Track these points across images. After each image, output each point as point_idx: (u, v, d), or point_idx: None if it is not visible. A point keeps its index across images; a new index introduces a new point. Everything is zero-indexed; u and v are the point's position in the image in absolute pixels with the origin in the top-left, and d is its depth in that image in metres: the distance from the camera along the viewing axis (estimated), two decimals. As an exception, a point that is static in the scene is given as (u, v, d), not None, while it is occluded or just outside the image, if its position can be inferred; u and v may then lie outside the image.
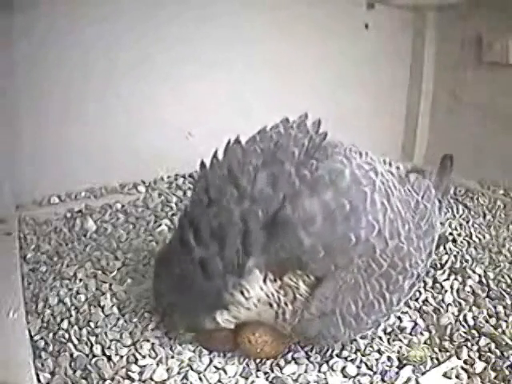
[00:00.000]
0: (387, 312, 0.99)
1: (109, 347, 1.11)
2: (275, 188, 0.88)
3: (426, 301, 1.32)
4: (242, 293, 0.94)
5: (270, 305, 0.96)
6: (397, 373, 1.06)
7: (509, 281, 1.41)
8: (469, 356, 1.11)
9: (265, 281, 0.93)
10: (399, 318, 1.25)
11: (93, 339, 1.12)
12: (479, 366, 1.08)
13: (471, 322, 1.22)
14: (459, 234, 1.74)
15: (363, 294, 0.92)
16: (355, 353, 1.12)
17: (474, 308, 1.29)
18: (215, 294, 0.93)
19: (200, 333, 1.08)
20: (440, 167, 1.34)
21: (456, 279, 1.42)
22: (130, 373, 1.03)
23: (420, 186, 1.08)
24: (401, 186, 1.03)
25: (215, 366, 1.07)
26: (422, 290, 1.37)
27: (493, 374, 1.06)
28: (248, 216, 0.88)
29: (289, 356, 1.11)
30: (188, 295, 0.95)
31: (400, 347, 1.14)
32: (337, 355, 1.12)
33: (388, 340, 1.18)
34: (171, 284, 0.98)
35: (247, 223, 0.88)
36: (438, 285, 1.39)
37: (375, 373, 1.06)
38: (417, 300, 1.32)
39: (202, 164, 0.99)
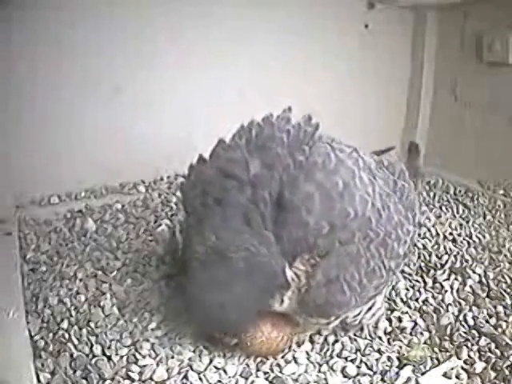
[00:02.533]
0: (387, 277, 1.02)
1: (109, 347, 1.11)
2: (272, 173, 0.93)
3: (425, 301, 1.32)
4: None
5: (292, 291, 0.97)
6: (397, 373, 1.06)
7: (509, 281, 1.41)
8: (469, 356, 1.12)
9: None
10: (399, 318, 1.25)
11: (93, 339, 1.13)
12: (479, 366, 1.08)
13: (471, 322, 1.22)
14: (459, 234, 1.74)
15: (364, 262, 0.96)
16: (355, 353, 1.13)
17: (474, 308, 1.29)
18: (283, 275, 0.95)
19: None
20: (408, 154, 1.50)
21: (456, 279, 1.42)
22: (130, 373, 1.03)
23: (394, 168, 1.15)
24: (379, 168, 1.09)
25: (215, 366, 1.07)
26: (422, 290, 1.37)
27: (493, 374, 1.06)
28: (258, 203, 0.92)
29: (289, 356, 1.11)
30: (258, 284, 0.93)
31: (400, 347, 1.15)
32: (337, 355, 1.12)
33: (388, 340, 1.18)
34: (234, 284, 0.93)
35: (259, 208, 0.92)
36: (437, 285, 1.39)
37: (375, 373, 1.06)
38: (417, 300, 1.33)
39: (191, 167, 1.02)
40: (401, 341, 1.17)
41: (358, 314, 1.07)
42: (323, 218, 0.91)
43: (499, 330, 1.19)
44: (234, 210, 0.93)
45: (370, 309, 1.09)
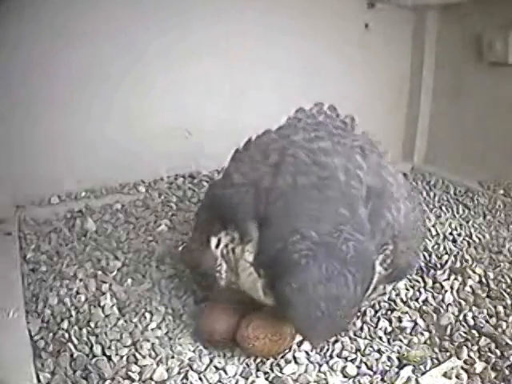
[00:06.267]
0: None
1: (109, 347, 1.11)
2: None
3: (425, 301, 1.32)
4: None
5: None
6: (397, 373, 1.06)
7: (509, 281, 1.41)
8: (469, 356, 1.11)
9: None
10: (399, 318, 1.25)
11: (93, 339, 1.12)
12: (479, 365, 1.08)
13: (471, 322, 1.22)
14: (459, 234, 1.74)
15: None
16: (355, 353, 1.12)
17: (474, 308, 1.28)
18: None
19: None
20: None
21: (456, 279, 1.42)
22: (130, 373, 1.03)
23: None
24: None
25: (215, 366, 1.07)
26: (422, 290, 1.37)
27: (493, 374, 1.06)
28: None
29: (289, 356, 1.11)
30: None
31: (400, 347, 1.14)
32: (337, 355, 1.12)
33: (388, 340, 1.18)
34: None
35: None
36: (437, 285, 1.39)
37: (375, 373, 1.06)
38: (417, 300, 1.32)
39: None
40: (401, 341, 1.17)
41: None
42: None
43: (499, 329, 1.18)
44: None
45: None
